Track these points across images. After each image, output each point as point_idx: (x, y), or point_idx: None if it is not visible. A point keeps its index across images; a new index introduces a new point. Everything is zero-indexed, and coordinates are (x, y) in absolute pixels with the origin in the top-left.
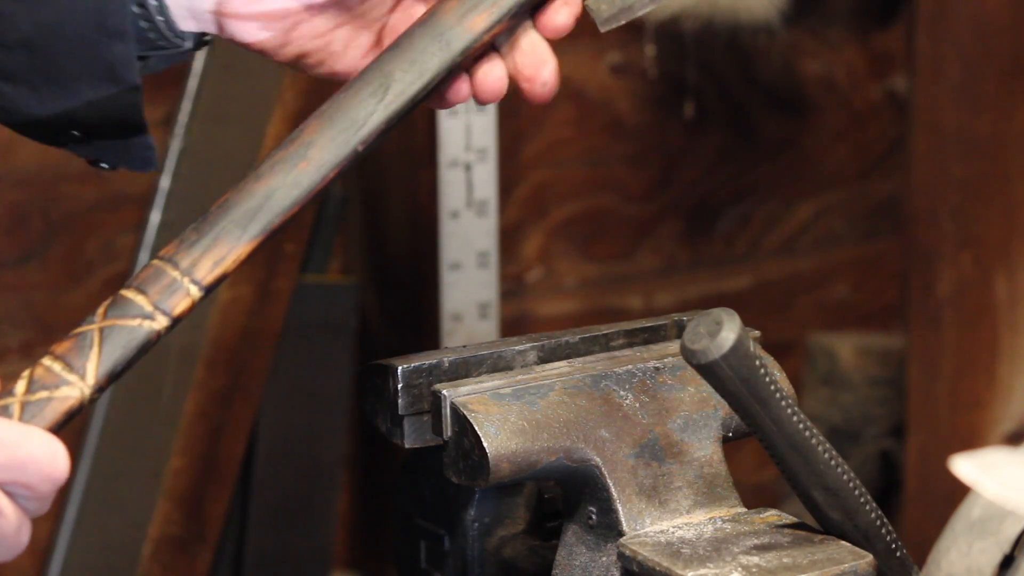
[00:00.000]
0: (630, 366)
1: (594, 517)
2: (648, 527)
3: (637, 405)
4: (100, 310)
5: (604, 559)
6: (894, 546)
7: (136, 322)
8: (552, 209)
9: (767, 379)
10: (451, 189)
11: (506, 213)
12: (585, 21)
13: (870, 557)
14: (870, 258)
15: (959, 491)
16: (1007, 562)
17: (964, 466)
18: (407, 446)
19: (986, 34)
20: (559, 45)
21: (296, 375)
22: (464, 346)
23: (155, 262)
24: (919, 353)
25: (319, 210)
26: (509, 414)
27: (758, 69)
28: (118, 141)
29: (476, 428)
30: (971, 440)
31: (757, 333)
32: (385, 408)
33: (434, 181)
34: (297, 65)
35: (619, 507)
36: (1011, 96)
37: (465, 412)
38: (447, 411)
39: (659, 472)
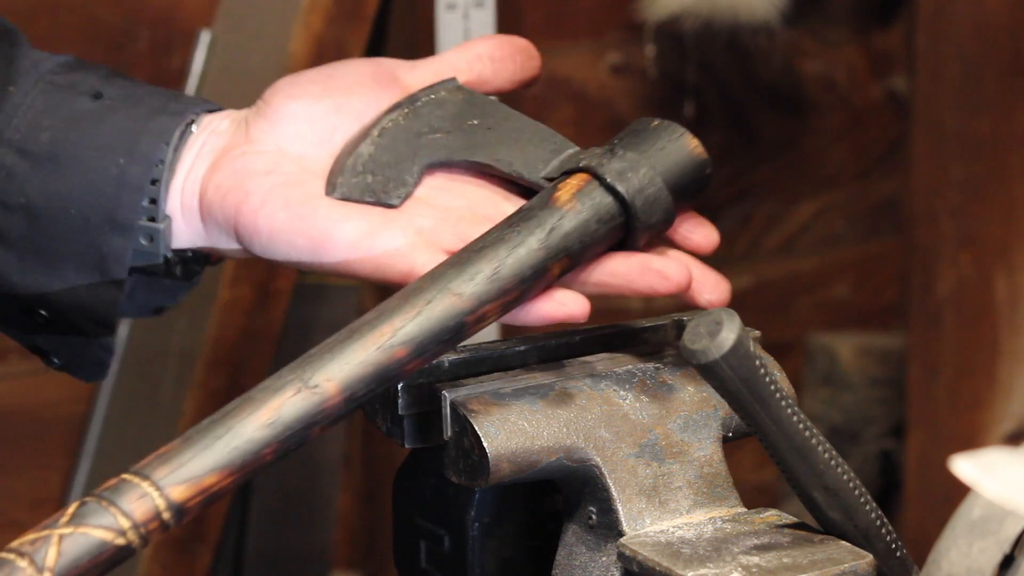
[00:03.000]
0: (630, 366)
1: (594, 517)
2: (648, 527)
3: (637, 405)
4: None
5: (604, 559)
6: (894, 546)
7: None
8: None
9: (767, 379)
10: None
11: None
12: (586, 21)
13: (870, 557)
14: (870, 258)
15: (959, 491)
16: (1007, 562)
17: (964, 466)
18: (407, 446)
19: (986, 34)
20: (559, 45)
21: None
22: (464, 346)
23: None
24: (919, 353)
25: None
26: (509, 414)
27: (758, 69)
28: (80, 336)
29: (476, 428)
30: (971, 440)
31: (757, 333)
32: (385, 408)
33: None
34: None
35: (619, 507)
36: (1011, 96)
37: (465, 412)
38: (447, 411)
39: (659, 472)
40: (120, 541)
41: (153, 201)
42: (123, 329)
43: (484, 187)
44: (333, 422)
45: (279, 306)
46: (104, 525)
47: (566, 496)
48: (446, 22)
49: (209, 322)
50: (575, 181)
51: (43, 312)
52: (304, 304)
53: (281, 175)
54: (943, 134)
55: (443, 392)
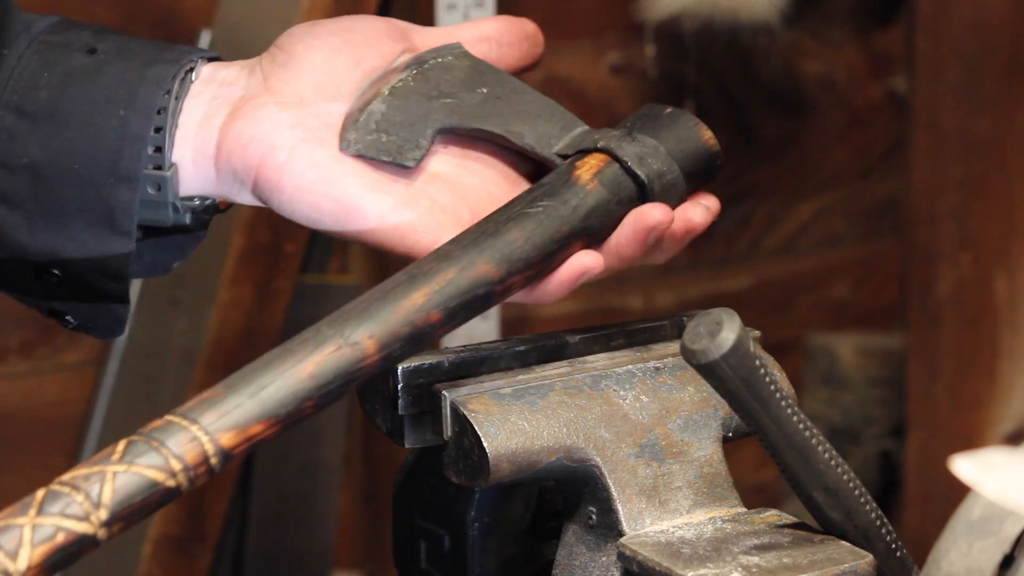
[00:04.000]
0: (630, 366)
1: (594, 517)
2: (648, 527)
3: (637, 405)
4: None
5: (604, 559)
6: (894, 546)
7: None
8: None
9: (767, 379)
10: None
11: None
12: (586, 21)
13: (870, 557)
14: (870, 258)
15: (959, 491)
16: (1007, 562)
17: (964, 466)
18: (407, 446)
19: (986, 34)
20: (559, 45)
21: None
22: (464, 346)
23: None
24: (919, 353)
25: None
26: (509, 414)
27: (758, 69)
28: (94, 293)
29: (476, 428)
30: (971, 440)
31: (757, 333)
32: (385, 408)
33: None
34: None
35: (619, 507)
36: (1011, 96)
37: (465, 412)
38: (447, 411)
39: (659, 472)
40: (170, 483)
41: (158, 150)
42: None
43: (495, 166)
44: (368, 379)
45: (279, 306)
46: (156, 466)
47: (566, 496)
48: (446, 22)
49: (209, 322)
50: (594, 161)
51: (56, 272)
52: (304, 304)
53: (305, 130)
54: (943, 134)
55: (443, 392)
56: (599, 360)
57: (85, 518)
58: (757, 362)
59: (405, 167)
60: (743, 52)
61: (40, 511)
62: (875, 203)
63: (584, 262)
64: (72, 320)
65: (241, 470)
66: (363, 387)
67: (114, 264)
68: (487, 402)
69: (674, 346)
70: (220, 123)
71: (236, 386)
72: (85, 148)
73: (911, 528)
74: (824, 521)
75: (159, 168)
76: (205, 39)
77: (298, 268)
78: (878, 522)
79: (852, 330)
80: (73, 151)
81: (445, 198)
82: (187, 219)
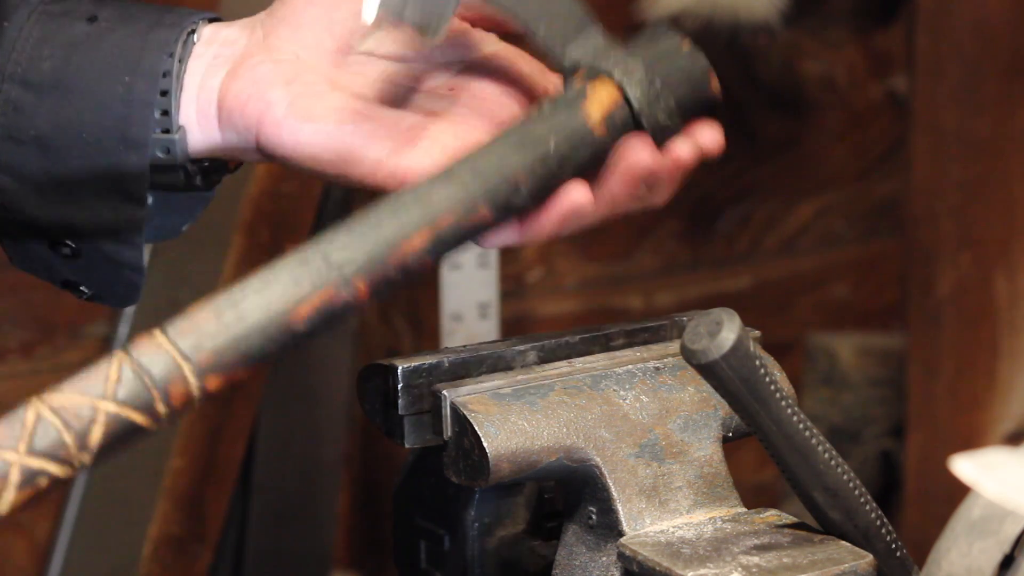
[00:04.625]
0: (630, 366)
1: (594, 517)
2: (648, 527)
3: (637, 405)
4: None
5: (604, 559)
6: (894, 546)
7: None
8: None
9: (767, 379)
10: None
11: None
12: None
13: (870, 557)
14: (870, 258)
15: (959, 491)
16: (1007, 562)
17: (964, 466)
18: (407, 446)
19: (986, 34)
20: None
21: (296, 375)
22: (464, 346)
23: None
24: (919, 353)
25: (319, 209)
26: (509, 414)
27: (758, 69)
28: (108, 262)
29: (476, 428)
30: (971, 440)
31: (757, 333)
32: (385, 408)
33: None
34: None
35: (619, 507)
36: (1011, 96)
37: (465, 412)
38: (447, 411)
39: (659, 472)
40: (153, 427)
41: (165, 113)
42: (123, 328)
43: (498, 99)
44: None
45: None
46: (146, 411)
47: (566, 496)
48: None
49: None
50: (605, 96)
51: (69, 243)
52: None
53: (302, 85)
54: (943, 134)
55: (443, 392)
56: (599, 360)
57: (69, 463)
58: (757, 362)
59: (429, 38)
60: (743, 52)
61: (30, 447)
62: (875, 203)
63: (575, 199)
64: (86, 291)
65: (241, 470)
66: (363, 387)
67: (127, 231)
68: (487, 402)
69: (674, 346)
70: (218, 84)
71: (231, 326)
72: (92, 117)
73: (911, 528)
74: (824, 521)
75: (167, 131)
76: None
77: None
78: (878, 522)
79: (852, 330)
80: (80, 120)
81: (448, 139)
82: (198, 180)
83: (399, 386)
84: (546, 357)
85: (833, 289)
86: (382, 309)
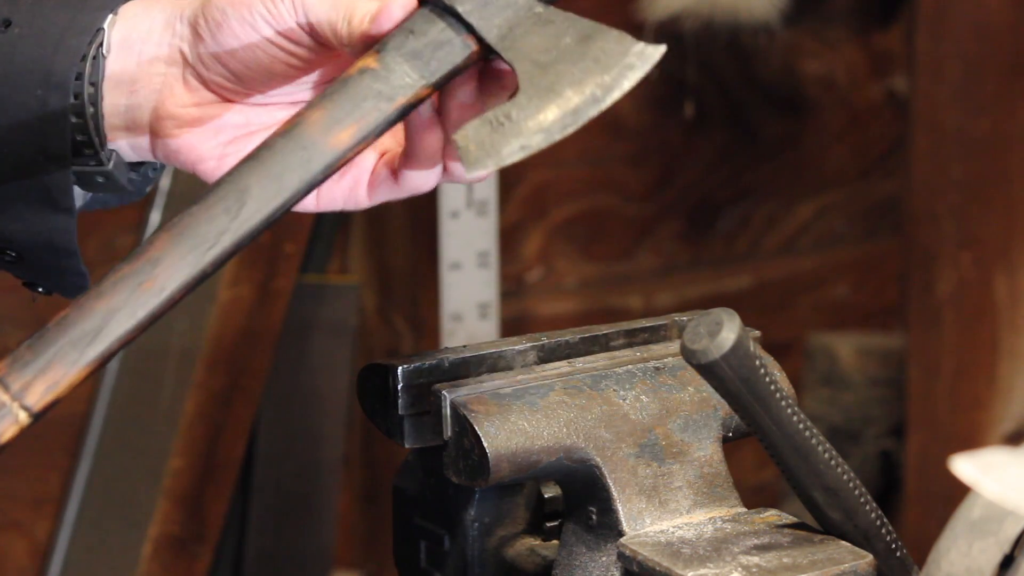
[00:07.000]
0: (630, 366)
1: (594, 517)
2: (648, 527)
3: (637, 405)
4: None
5: (604, 559)
6: (894, 546)
7: None
8: (552, 209)
9: (767, 379)
10: (451, 189)
11: (506, 213)
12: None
13: (870, 557)
14: (870, 258)
15: (959, 491)
16: (1007, 562)
17: (964, 466)
18: (407, 446)
19: (986, 34)
20: None
21: (296, 375)
22: (464, 346)
23: None
24: (919, 353)
25: None
26: (509, 414)
27: (758, 69)
28: (52, 266)
29: (476, 428)
30: (971, 440)
31: (757, 333)
32: (385, 408)
33: None
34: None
35: (619, 507)
36: (1011, 96)
37: (465, 412)
38: (447, 411)
39: (659, 472)
40: None
41: (80, 115)
42: None
43: None
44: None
45: (279, 306)
46: None
47: (566, 496)
48: None
49: (209, 322)
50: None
51: (10, 252)
52: (304, 304)
53: (230, 132)
54: (943, 134)
55: (443, 392)
56: (599, 360)
57: None
58: (757, 362)
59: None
60: (743, 52)
61: None
62: (875, 203)
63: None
64: (42, 289)
65: (241, 470)
66: (363, 387)
67: (62, 239)
68: (487, 402)
69: (674, 346)
70: (147, 138)
71: (56, 355)
72: (10, 132)
73: (911, 528)
74: (824, 521)
75: (89, 143)
76: None
77: (298, 268)
78: (878, 522)
79: (852, 330)
80: (1, 137)
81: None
82: (146, 188)
83: (399, 386)
84: (546, 357)
85: (833, 289)
86: (382, 308)
